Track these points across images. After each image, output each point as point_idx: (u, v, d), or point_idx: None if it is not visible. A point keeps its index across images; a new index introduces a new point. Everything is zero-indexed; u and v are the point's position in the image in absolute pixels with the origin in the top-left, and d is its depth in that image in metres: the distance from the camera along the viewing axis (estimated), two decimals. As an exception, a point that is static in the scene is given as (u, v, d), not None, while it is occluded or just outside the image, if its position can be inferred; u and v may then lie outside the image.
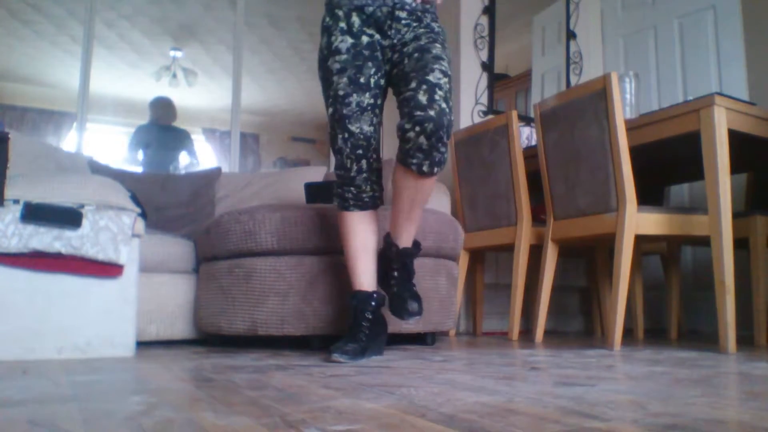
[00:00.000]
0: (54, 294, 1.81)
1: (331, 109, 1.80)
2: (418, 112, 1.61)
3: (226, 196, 3.10)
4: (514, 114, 2.67)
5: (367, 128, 1.77)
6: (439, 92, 1.64)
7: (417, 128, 1.60)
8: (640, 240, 2.35)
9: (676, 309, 2.80)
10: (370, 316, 1.77)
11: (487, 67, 3.45)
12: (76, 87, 4.49)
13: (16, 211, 1.77)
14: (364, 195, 1.81)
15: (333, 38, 1.80)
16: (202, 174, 3.20)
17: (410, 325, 2.19)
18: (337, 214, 1.87)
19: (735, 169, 2.41)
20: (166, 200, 2.92)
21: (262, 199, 3.02)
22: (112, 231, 1.88)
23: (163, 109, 5.15)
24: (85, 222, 1.84)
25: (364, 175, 1.79)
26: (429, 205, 2.53)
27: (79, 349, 1.82)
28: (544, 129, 2.51)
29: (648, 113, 2.33)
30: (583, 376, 1.35)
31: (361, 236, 1.82)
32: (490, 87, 3.45)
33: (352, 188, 1.80)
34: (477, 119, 3.36)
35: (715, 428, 0.79)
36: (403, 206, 1.75)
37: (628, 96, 2.43)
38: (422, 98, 1.62)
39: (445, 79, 1.69)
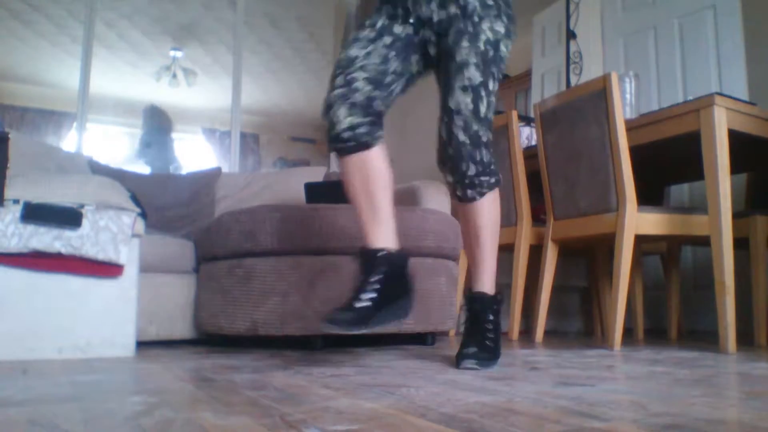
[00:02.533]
0: (54, 294, 1.81)
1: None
2: (440, 149, 1.56)
3: (226, 196, 3.10)
4: (514, 114, 2.67)
5: (372, 60, 1.55)
6: (458, 120, 1.51)
7: (445, 164, 1.57)
8: (640, 240, 2.35)
9: (676, 309, 2.80)
10: (378, 276, 1.47)
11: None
12: (76, 87, 4.49)
13: (16, 211, 1.77)
14: (338, 128, 1.50)
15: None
16: (202, 174, 3.20)
17: (409, 326, 2.19)
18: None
19: (735, 169, 2.41)
20: (166, 200, 2.92)
21: (262, 199, 3.02)
22: (112, 231, 1.88)
23: (163, 116, 5.26)
24: (85, 222, 1.84)
25: (351, 99, 1.50)
26: (429, 205, 2.53)
27: (79, 349, 1.82)
28: (544, 129, 2.51)
29: (648, 113, 2.33)
30: (583, 376, 1.35)
31: (358, 178, 1.54)
32: (490, 87, 3.44)
33: (336, 114, 1.50)
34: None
35: (715, 428, 0.79)
36: (468, 244, 1.64)
37: (628, 96, 2.43)
38: (443, 132, 1.55)
39: (468, 98, 1.52)
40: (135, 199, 2.01)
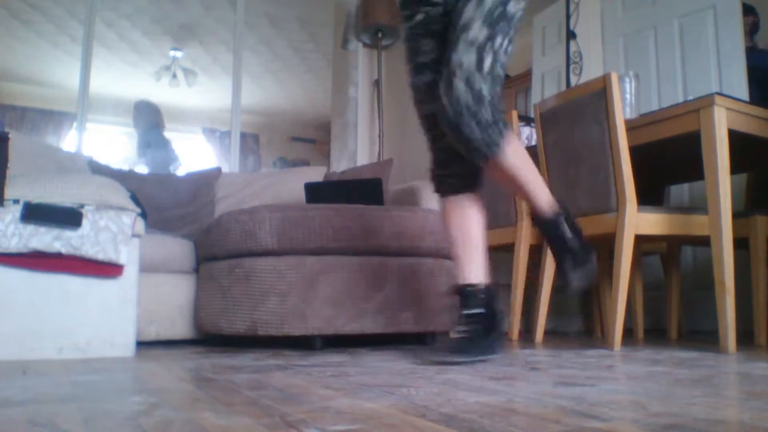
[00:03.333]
0: (54, 294, 1.81)
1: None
2: (437, 103, 1.51)
3: (226, 196, 3.10)
4: (514, 114, 2.67)
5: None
6: (459, 72, 1.47)
7: (441, 124, 1.52)
8: (640, 240, 2.35)
9: (676, 309, 2.80)
10: (472, 312, 1.61)
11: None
12: (76, 87, 4.49)
13: (16, 211, 1.77)
14: (449, 176, 1.68)
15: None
16: (202, 174, 3.20)
17: (409, 326, 2.20)
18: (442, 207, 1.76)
19: (735, 169, 2.41)
20: (166, 200, 2.92)
21: (262, 199, 3.02)
22: (112, 231, 1.88)
23: (157, 111, 5.23)
24: (85, 222, 1.84)
25: (444, 153, 1.65)
26: (429, 205, 2.53)
27: (79, 349, 1.82)
28: (544, 129, 2.51)
29: (648, 113, 2.33)
30: (583, 376, 1.34)
31: (456, 223, 1.68)
32: (490, 87, 3.44)
33: (434, 167, 1.68)
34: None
35: (715, 428, 0.79)
36: (510, 191, 1.75)
37: (628, 96, 2.43)
38: (442, 83, 1.50)
39: (472, 51, 1.48)
40: (135, 199, 2.01)
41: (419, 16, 1.68)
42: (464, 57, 1.48)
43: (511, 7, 1.55)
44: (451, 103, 1.47)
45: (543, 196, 1.65)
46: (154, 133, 5.11)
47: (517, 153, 1.56)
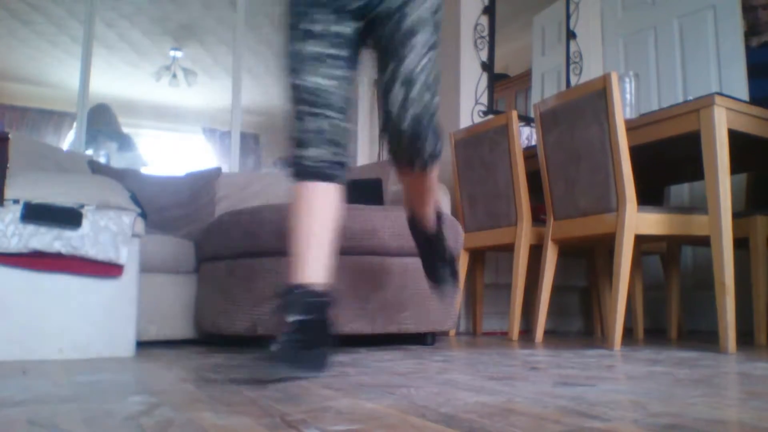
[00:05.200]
0: (54, 294, 1.81)
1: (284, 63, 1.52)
2: (391, 124, 1.45)
3: (226, 196, 3.10)
4: (514, 114, 2.67)
5: (323, 81, 1.46)
6: (414, 89, 1.42)
7: (393, 141, 1.48)
8: (640, 240, 2.35)
9: (676, 309, 2.80)
10: (297, 319, 1.33)
11: (487, 67, 3.45)
12: (76, 87, 4.49)
13: (16, 211, 1.77)
14: (324, 161, 1.45)
15: None
16: (202, 174, 3.20)
17: (409, 326, 2.19)
18: (291, 188, 1.52)
19: (735, 169, 2.41)
20: (166, 200, 2.92)
21: (262, 200, 3.02)
22: (112, 231, 1.88)
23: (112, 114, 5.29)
24: (85, 222, 1.84)
25: (323, 135, 1.45)
26: (429, 205, 2.53)
27: (79, 349, 1.82)
28: (544, 129, 2.51)
29: (648, 113, 2.33)
30: (583, 376, 1.35)
31: (316, 212, 1.45)
32: (490, 87, 3.45)
33: (307, 150, 1.45)
34: (477, 119, 3.36)
35: (715, 428, 0.79)
36: (413, 198, 1.71)
37: (628, 96, 2.43)
38: (393, 104, 1.44)
39: (423, 61, 1.44)
40: (135, 199, 2.01)
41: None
42: (417, 66, 1.43)
43: (439, 15, 1.52)
44: (410, 125, 1.43)
45: (433, 208, 1.75)
46: (115, 133, 5.15)
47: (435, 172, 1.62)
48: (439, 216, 1.81)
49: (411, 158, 1.50)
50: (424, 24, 1.46)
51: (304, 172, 1.46)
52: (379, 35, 1.50)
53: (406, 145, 1.47)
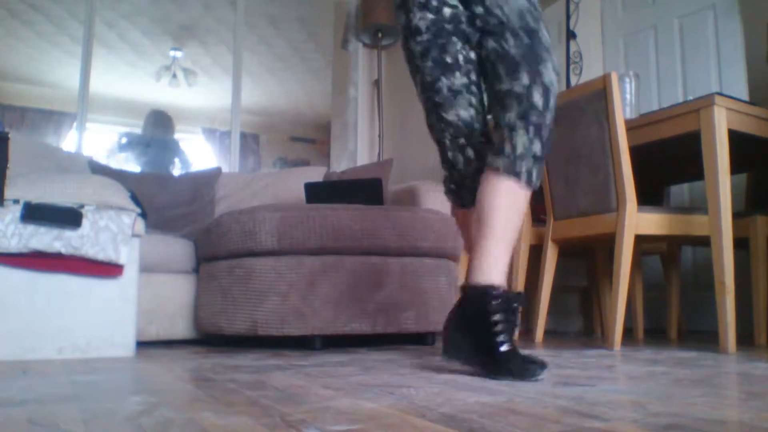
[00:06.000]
0: (54, 294, 1.81)
1: (423, 96, 1.58)
2: (491, 158, 1.44)
3: (226, 196, 3.10)
4: (514, 114, 2.67)
5: (464, 113, 1.53)
6: (519, 129, 1.41)
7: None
8: (640, 240, 2.35)
9: (676, 309, 2.80)
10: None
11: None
12: (76, 87, 4.49)
13: (16, 211, 1.77)
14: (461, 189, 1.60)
15: (411, 15, 1.54)
16: (202, 174, 3.20)
17: (409, 326, 2.20)
18: (455, 214, 1.67)
19: (735, 169, 2.41)
20: (166, 200, 2.92)
21: (262, 199, 3.02)
22: (112, 231, 1.88)
23: (165, 124, 5.25)
24: (85, 222, 1.84)
25: (474, 165, 1.54)
26: (429, 205, 2.53)
27: (79, 349, 1.82)
28: (544, 129, 2.51)
29: (648, 113, 2.33)
30: (583, 376, 1.34)
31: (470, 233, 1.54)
32: (490, 87, 3.45)
33: (466, 181, 1.57)
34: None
35: (715, 428, 0.79)
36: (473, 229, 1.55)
37: (628, 96, 2.43)
38: (496, 140, 1.43)
39: (515, 100, 1.42)
40: (135, 199, 2.01)
41: (447, 10, 1.53)
42: (512, 118, 1.41)
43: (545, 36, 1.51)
44: (511, 162, 1.41)
45: (500, 267, 1.41)
46: (156, 136, 5.13)
47: (516, 198, 1.44)
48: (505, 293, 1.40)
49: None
50: None
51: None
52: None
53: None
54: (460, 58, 1.52)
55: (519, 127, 1.41)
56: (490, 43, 1.46)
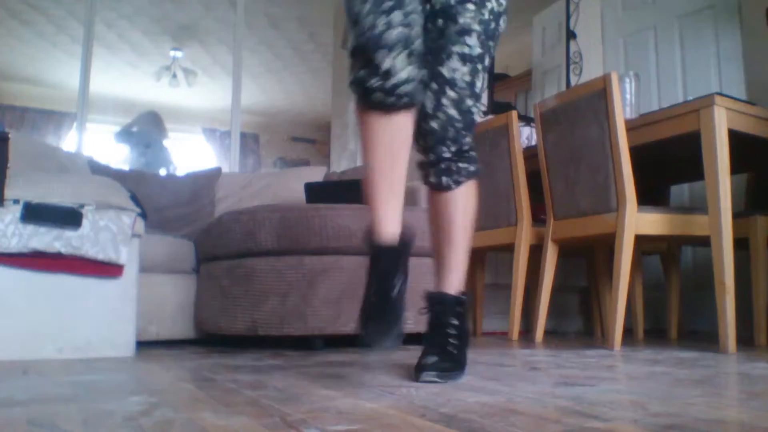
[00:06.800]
0: (54, 294, 1.81)
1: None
2: (422, 123, 1.34)
3: (226, 196, 3.10)
4: (514, 114, 2.67)
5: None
6: (451, 93, 1.33)
7: (419, 140, 1.37)
8: (640, 240, 2.35)
9: (676, 309, 2.80)
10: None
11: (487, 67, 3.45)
12: (76, 87, 4.49)
13: (16, 211, 1.77)
14: (396, 80, 1.19)
15: None
16: (202, 174, 3.20)
17: (409, 326, 2.19)
18: (358, 116, 1.32)
19: (735, 169, 2.40)
20: (166, 200, 2.92)
21: (262, 200, 3.02)
22: (112, 231, 1.88)
23: (162, 128, 5.31)
24: (85, 222, 1.84)
25: (399, 42, 1.19)
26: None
27: (79, 349, 1.82)
28: (544, 129, 2.51)
29: (648, 113, 2.33)
30: (583, 376, 1.34)
31: (393, 150, 1.28)
32: (490, 87, 3.45)
33: (377, 63, 1.19)
34: (477, 119, 3.35)
35: (715, 428, 0.79)
36: (436, 234, 1.47)
37: (628, 96, 2.43)
38: (428, 102, 1.33)
39: (466, 68, 1.33)
40: (135, 199, 2.01)
41: None
42: (458, 72, 1.33)
43: (501, 24, 1.39)
44: (440, 125, 1.35)
45: (461, 271, 1.41)
46: (156, 138, 5.17)
47: (472, 199, 1.45)
48: (461, 298, 1.41)
49: (431, 165, 1.37)
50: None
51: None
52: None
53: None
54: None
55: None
56: None
